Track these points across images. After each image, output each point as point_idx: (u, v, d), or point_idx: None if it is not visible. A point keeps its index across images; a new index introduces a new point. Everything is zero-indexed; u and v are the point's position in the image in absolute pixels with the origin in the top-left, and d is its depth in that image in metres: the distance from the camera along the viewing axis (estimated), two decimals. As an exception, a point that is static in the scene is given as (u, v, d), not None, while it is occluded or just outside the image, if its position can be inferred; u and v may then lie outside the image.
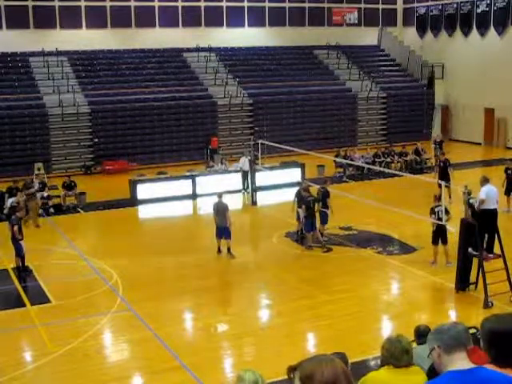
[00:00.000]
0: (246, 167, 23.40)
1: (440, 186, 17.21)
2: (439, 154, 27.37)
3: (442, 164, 21.85)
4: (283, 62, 35.83)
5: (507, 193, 19.92)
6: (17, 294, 14.36)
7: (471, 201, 14.61)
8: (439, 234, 14.97)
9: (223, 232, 16.54)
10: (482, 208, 14.05)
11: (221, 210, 16.65)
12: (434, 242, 15.14)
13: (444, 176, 20.69)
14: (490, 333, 3.69)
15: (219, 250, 16.68)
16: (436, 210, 14.84)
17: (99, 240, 19.51)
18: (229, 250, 16.54)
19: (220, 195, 17.07)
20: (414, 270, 15.23)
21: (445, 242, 14.99)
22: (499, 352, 3.62)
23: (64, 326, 12.55)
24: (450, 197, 20.00)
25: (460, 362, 3.52)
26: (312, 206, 17.17)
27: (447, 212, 14.86)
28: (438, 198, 14.99)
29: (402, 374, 4.65)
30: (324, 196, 17.63)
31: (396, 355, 4.69)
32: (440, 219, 14.72)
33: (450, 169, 21.55)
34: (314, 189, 18.66)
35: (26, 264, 15.64)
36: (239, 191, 23.87)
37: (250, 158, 23.24)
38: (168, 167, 27.18)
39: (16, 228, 15.37)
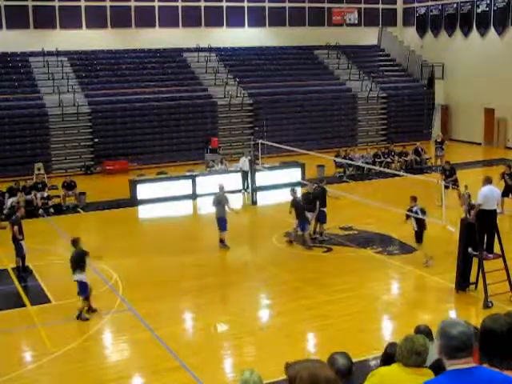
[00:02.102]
0: (246, 167, 23.41)
1: (446, 187, 18.25)
2: (440, 154, 27.43)
3: (447, 173, 21.51)
4: (283, 62, 35.82)
5: (503, 195, 19.87)
6: (17, 294, 14.35)
7: (472, 202, 15.10)
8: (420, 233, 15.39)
9: (220, 223, 17.04)
10: (482, 208, 14.03)
11: (221, 202, 17.17)
12: (418, 241, 15.54)
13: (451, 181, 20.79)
14: (484, 332, 3.69)
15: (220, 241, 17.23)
16: (414, 209, 15.28)
17: (99, 240, 19.48)
18: (222, 241, 17.07)
19: (221, 188, 17.67)
20: (414, 270, 15.23)
21: (419, 241, 15.44)
22: (491, 351, 3.62)
23: (64, 325, 12.56)
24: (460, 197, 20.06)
25: (461, 364, 3.52)
26: (312, 202, 17.38)
27: (423, 212, 15.30)
28: (414, 199, 15.40)
29: (411, 373, 4.67)
30: (321, 194, 17.70)
31: (404, 354, 4.72)
32: (418, 218, 15.19)
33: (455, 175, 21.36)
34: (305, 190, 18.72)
35: (26, 264, 15.64)
36: (239, 191, 23.88)
37: (249, 158, 23.26)
38: (168, 167, 27.17)
39: (16, 228, 15.36)
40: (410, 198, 15.56)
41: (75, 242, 13.07)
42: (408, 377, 4.67)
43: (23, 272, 15.52)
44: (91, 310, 12.99)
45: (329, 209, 18.02)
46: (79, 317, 12.70)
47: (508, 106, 32.20)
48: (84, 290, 12.85)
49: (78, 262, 12.82)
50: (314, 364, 3.27)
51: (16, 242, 15.43)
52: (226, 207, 17.25)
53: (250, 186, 23.05)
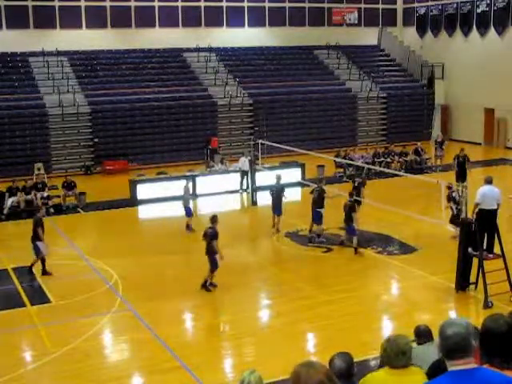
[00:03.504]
0: (245, 167, 23.40)
1: (458, 180, 20.51)
2: (440, 154, 27.54)
3: (461, 159, 22.32)
4: (283, 62, 35.82)
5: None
6: (17, 294, 14.35)
7: (454, 194, 16.47)
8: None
9: (187, 211, 19.23)
10: (481, 208, 14.06)
11: (188, 192, 19.59)
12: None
13: (462, 172, 21.82)
14: (485, 332, 3.69)
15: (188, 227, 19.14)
16: (356, 181, 18.94)
17: (99, 240, 19.50)
18: (188, 226, 19.10)
19: (187, 179, 20.27)
20: (414, 270, 15.23)
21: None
22: (492, 352, 3.61)
23: (64, 325, 12.56)
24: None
25: (461, 364, 3.51)
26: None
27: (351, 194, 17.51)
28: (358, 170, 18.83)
29: (399, 374, 4.65)
30: (320, 195, 17.76)
31: (391, 356, 4.69)
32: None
33: (467, 165, 21.97)
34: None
35: (45, 268, 15.33)
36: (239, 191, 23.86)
37: (250, 157, 23.26)
38: (168, 167, 27.17)
39: (41, 230, 15.15)
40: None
41: (214, 220, 14.24)
42: (398, 379, 4.65)
43: (43, 274, 15.24)
44: (212, 284, 14.20)
45: (329, 209, 18.02)
46: (203, 286, 14.04)
47: (508, 106, 32.20)
48: (213, 265, 14.02)
49: (212, 239, 14.01)
50: (307, 367, 3.25)
51: (36, 242, 15.17)
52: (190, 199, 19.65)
53: (249, 186, 23.07)
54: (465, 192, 13.98)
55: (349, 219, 16.58)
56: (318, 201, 17.75)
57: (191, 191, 20.19)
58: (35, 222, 15.52)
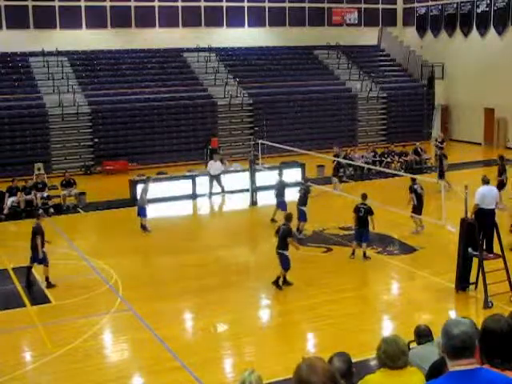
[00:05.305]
0: (213, 171, 23.29)
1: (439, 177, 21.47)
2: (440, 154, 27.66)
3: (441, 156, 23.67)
4: (283, 62, 35.82)
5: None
6: (17, 294, 14.34)
7: (416, 187, 17.72)
8: None
9: (143, 211, 19.20)
10: (480, 208, 14.06)
11: (145, 192, 19.39)
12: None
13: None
14: (485, 332, 3.69)
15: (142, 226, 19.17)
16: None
17: (99, 240, 19.50)
18: (144, 226, 19.05)
19: (147, 180, 20.17)
20: (414, 270, 15.24)
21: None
22: (492, 352, 3.61)
23: (64, 325, 12.55)
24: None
25: (465, 364, 3.51)
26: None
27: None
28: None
29: (397, 375, 4.61)
30: (305, 194, 18.17)
31: (392, 356, 4.65)
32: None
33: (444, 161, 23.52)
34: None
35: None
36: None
37: (221, 161, 23.72)
38: (168, 167, 27.17)
39: (39, 238, 14.67)
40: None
41: (288, 218, 14.49)
42: (396, 380, 4.61)
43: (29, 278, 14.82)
44: (287, 282, 14.15)
45: (329, 209, 18.05)
46: (275, 283, 14.01)
47: (508, 105, 32.19)
48: (285, 263, 13.99)
49: (285, 237, 13.99)
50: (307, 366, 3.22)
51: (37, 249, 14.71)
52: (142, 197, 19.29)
53: (223, 189, 23.23)
54: (465, 192, 13.95)
55: (365, 223, 16.01)
56: (303, 199, 18.13)
57: (148, 193, 19.52)
58: (39, 229, 14.93)
